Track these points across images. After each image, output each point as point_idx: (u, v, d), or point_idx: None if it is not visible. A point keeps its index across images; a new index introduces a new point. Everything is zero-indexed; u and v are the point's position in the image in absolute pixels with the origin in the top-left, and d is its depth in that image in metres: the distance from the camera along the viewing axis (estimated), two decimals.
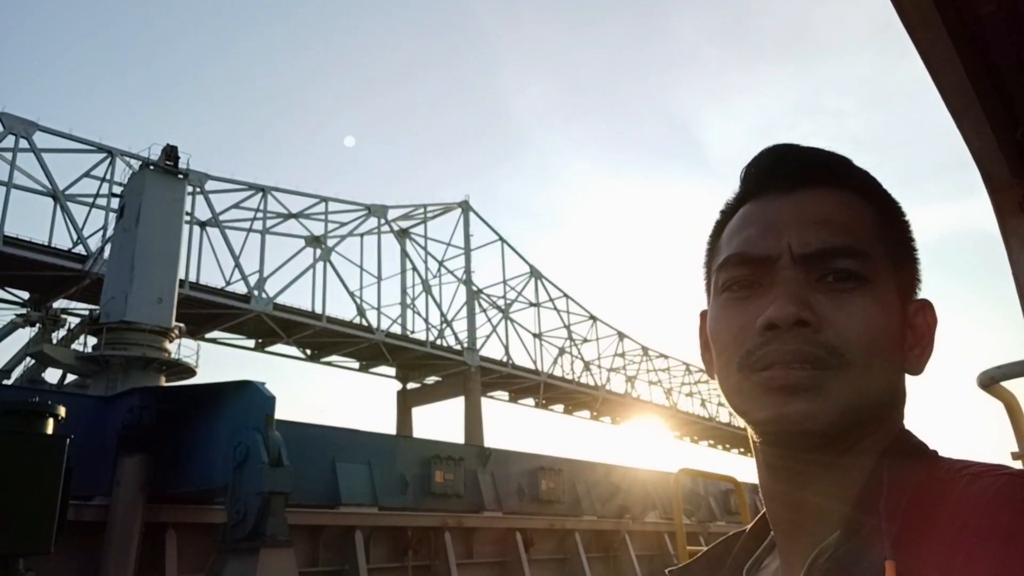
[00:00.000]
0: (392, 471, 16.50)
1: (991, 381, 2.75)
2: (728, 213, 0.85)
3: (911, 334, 0.78)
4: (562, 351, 56.62)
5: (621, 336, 61.78)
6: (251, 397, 12.54)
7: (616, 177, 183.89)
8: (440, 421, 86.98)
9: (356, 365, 48.83)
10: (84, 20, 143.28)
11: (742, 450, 73.09)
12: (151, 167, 27.06)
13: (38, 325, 26.03)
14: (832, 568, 0.68)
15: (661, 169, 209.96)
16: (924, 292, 0.82)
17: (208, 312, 38.51)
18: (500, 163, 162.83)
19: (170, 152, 27.38)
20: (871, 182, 0.82)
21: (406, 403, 50.58)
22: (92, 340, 23.92)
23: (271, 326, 41.18)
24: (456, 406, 48.66)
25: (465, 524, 17.19)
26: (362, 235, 47.78)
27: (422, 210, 51.18)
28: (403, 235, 50.46)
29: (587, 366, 58.48)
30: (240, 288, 40.39)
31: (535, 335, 55.17)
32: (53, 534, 9.40)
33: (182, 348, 25.15)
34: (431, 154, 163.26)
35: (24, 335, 27.91)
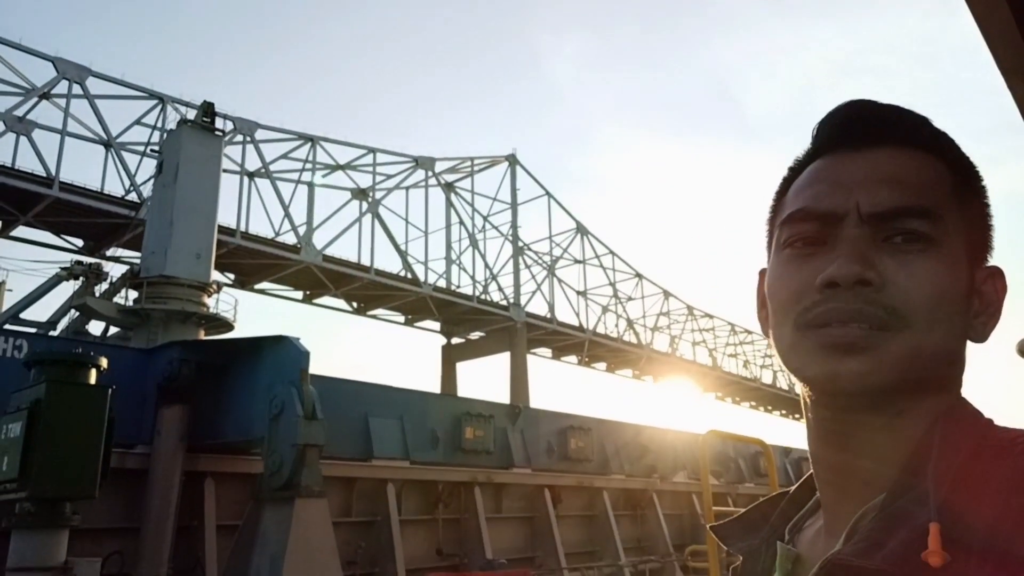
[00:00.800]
0: (423, 427, 16.71)
1: None
2: (797, 169, 0.84)
3: (978, 301, 0.76)
4: (606, 309, 56.20)
5: (666, 295, 61.08)
6: (286, 352, 12.72)
7: (654, 136, 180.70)
8: (485, 377, 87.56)
9: (402, 319, 49.08)
10: None
11: (784, 412, 72.44)
12: (188, 124, 27.15)
13: (81, 279, 26.39)
14: (876, 528, 0.67)
15: (700, 128, 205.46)
16: None
17: (258, 263, 38.70)
18: (536, 122, 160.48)
19: (207, 109, 27.35)
20: (949, 143, 0.79)
21: (450, 358, 50.83)
22: (133, 294, 24.39)
23: (320, 277, 41.11)
24: (499, 362, 49.02)
25: (495, 480, 17.43)
26: (408, 188, 47.71)
27: (469, 163, 50.67)
28: (449, 189, 50.19)
29: (631, 324, 58.00)
30: (289, 239, 40.40)
31: (580, 292, 54.81)
32: (97, 480, 9.86)
33: (220, 303, 25.53)
34: (466, 115, 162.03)
35: (68, 288, 28.20)
